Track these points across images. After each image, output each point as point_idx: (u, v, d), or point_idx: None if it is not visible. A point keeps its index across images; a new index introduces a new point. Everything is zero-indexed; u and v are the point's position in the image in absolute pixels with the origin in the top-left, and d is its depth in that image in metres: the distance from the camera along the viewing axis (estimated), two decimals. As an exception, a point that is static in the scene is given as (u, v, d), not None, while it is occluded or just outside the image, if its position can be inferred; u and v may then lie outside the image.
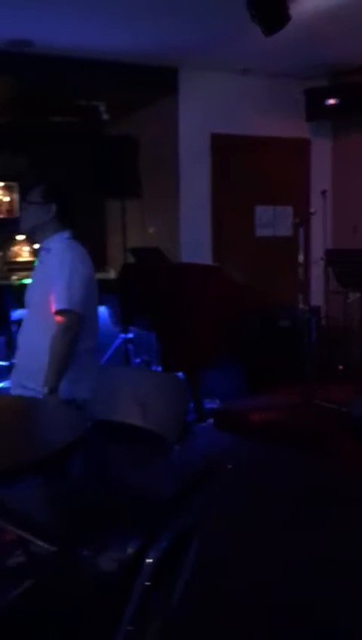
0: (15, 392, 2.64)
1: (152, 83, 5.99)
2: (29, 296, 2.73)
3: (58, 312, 2.53)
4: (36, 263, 2.85)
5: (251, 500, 3.30)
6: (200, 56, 5.69)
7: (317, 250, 6.16)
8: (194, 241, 6.19)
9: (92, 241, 7.24)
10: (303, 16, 4.48)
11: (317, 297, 6.39)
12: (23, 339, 2.71)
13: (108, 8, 4.53)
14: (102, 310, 5.73)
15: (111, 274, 6.30)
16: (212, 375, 5.26)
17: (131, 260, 5.84)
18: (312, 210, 6.08)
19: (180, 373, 4.48)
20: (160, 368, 5.31)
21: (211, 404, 5.28)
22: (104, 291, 5.58)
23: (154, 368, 5.52)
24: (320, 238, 6.05)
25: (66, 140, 7.01)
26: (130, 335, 5.56)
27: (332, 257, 5.16)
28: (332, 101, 6.19)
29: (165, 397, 2.15)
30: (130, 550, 0.97)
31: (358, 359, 5.34)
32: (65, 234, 2.72)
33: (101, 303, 5.62)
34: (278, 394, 5.22)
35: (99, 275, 6.14)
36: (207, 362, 5.19)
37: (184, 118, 6.09)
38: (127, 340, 5.54)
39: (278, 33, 4.17)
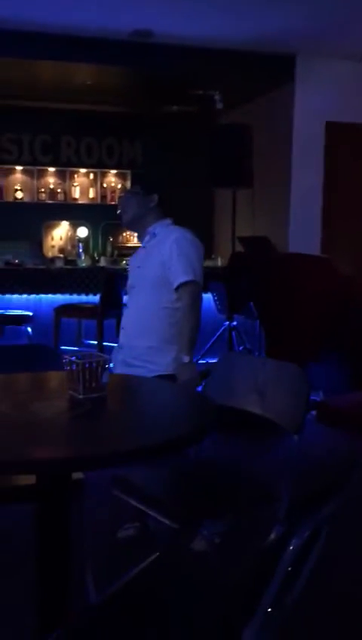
0: (119, 370, 2.72)
1: (269, 71, 5.95)
2: (135, 279, 2.82)
3: (184, 284, 2.64)
4: (140, 248, 2.91)
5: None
6: (318, 43, 5.59)
7: None
8: (304, 232, 6.12)
9: (200, 228, 7.36)
10: None
11: None
12: (130, 319, 2.81)
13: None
14: (209, 297, 5.81)
15: (219, 262, 6.36)
16: (316, 367, 5.20)
17: (239, 248, 5.87)
18: None
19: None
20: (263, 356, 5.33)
21: (314, 396, 5.24)
22: (211, 279, 5.72)
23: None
24: None
25: (181, 129, 7.12)
26: (235, 323, 5.61)
27: None
28: None
29: (285, 386, 2.17)
30: (273, 535, 1.02)
31: None
32: (168, 221, 2.82)
33: (208, 290, 5.74)
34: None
35: (207, 263, 6.28)
36: (312, 354, 5.14)
37: (299, 106, 6.01)
38: (231, 328, 5.59)
39: None
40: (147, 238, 2.81)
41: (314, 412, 5.01)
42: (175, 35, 5.35)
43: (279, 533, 1.04)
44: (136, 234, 3.18)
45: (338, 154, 6.12)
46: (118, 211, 2.87)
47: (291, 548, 1.03)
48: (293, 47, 5.75)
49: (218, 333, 5.63)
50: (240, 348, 5.68)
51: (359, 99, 6.05)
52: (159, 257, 2.69)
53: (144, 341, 2.69)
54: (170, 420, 1.76)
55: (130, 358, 2.71)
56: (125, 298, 2.92)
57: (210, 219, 7.61)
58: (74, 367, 1.92)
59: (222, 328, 5.62)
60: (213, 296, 5.72)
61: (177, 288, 2.65)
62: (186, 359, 2.60)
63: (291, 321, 4.99)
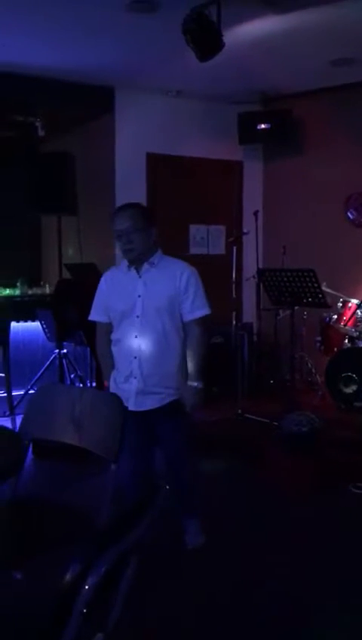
0: (134, 401, 2.83)
1: (89, 101, 6.05)
2: (139, 308, 2.88)
3: (201, 318, 2.94)
4: (133, 277, 2.97)
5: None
6: (135, 77, 5.79)
7: (249, 269, 6.34)
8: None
9: (27, 255, 7.22)
10: (237, 44, 4.66)
11: (249, 314, 6.57)
12: (143, 348, 2.85)
13: (48, 27, 4.57)
14: (37, 325, 5.70)
15: (47, 289, 6.28)
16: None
17: (67, 275, 5.85)
18: (245, 230, 6.27)
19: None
20: (94, 384, 5.33)
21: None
22: (39, 306, 5.61)
23: (88, 384, 5.53)
24: (252, 257, 6.24)
25: (2, 154, 6.97)
26: (65, 350, 5.55)
27: (264, 276, 5.32)
28: (263, 126, 6.43)
29: (101, 415, 2.19)
30: (68, 575, 1.00)
31: (288, 374, 5.53)
32: (159, 250, 3.00)
33: (35, 318, 5.63)
34: (211, 409, 5.32)
35: (35, 290, 6.16)
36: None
37: (120, 137, 6.17)
38: (61, 356, 5.53)
39: (213, 59, 4.32)
40: (145, 267, 2.93)
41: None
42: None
43: (75, 571, 1.03)
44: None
45: (160, 184, 6.36)
46: (128, 247, 2.87)
47: (87, 587, 1.03)
48: (112, 80, 5.91)
49: (48, 362, 5.53)
50: (72, 376, 5.63)
51: (176, 132, 6.35)
52: (168, 290, 2.89)
53: (161, 368, 2.86)
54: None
55: (149, 386, 2.84)
56: (129, 328, 2.91)
57: (38, 246, 7.50)
58: None
59: (53, 356, 5.54)
60: (42, 324, 5.62)
61: (190, 319, 2.90)
62: (200, 385, 2.87)
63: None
